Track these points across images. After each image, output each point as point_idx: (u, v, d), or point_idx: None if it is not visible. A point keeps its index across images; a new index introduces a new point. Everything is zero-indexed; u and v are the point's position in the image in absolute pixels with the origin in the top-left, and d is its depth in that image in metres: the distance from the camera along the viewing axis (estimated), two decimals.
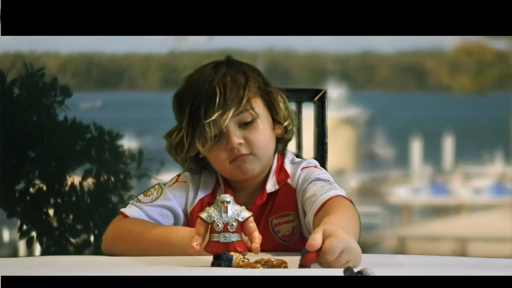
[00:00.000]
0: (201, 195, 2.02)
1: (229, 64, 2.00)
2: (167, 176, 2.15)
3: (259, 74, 2.02)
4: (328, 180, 1.94)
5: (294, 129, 2.09)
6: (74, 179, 4.23)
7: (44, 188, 4.28)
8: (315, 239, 1.54)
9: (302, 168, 2.00)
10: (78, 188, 4.13)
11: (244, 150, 1.94)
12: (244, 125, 1.94)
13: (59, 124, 4.29)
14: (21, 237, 4.40)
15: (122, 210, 1.99)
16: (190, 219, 2.01)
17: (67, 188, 4.21)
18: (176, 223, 2.00)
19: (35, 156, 4.40)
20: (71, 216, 4.18)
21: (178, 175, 2.07)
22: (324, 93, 2.16)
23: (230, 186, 2.02)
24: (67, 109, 4.33)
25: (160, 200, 1.99)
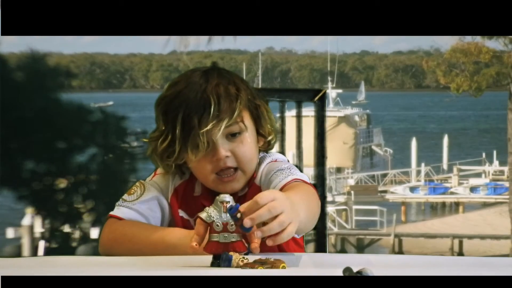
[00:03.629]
0: (175, 183, 2.00)
1: (220, 74, 1.97)
2: None
3: (247, 86, 2.00)
4: (288, 168, 1.94)
5: (277, 142, 2.07)
6: (81, 161, 4.27)
7: (51, 170, 4.33)
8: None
9: (265, 165, 1.99)
10: (85, 170, 4.18)
11: (230, 163, 1.93)
12: (231, 136, 1.93)
13: (64, 106, 4.33)
14: (29, 228, 4.46)
15: (112, 213, 1.98)
16: (171, 208, 2.00)
17: (74, 170, 4.25)
18: (163, 214, 2.00)
19: (42, 139, 4.45)
20: (79, 198, 4.22)
21: (155, 170, 2.05)
22: (324, 93, 2.17)
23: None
24: (72, 90, 4.38)
25: (145, 195, 1.99)
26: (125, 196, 2.00)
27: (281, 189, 1.84)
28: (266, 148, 2.02)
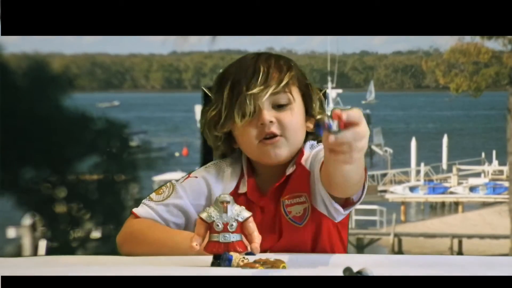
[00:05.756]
0: (231, 186, 2.03)
1: (272, 54, 2.07)
2: (172, 175, 2.17)
3: (300, 69, 2.08)
4: None
5: None
6: (82, 169, 4.28)
7: (52, 178, 4.34)
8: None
9: (316, 151, 2.03)
10: (86, 178, 4.19)
11: (274, 129, 1.96)
12: (278, 107, 1.98)
13: (65, 114, 4.35)
14: (31, 228, 4.47)
15: (134, 210, 2.04)
16: None
17: (74, 179, 4.26)
18: (188, 221, 2.03)
19: (42, 146, 4.46)
20: (77, 207, 4.23)
21: (189, 173, 2.09)
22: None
23: (254, 173, 2.03)
24: (71, 97, 4.39)
25: (171, 198, 2.02)
26: (153, 195, 2.04)
27: None
28: (314, 129, 2.04)
